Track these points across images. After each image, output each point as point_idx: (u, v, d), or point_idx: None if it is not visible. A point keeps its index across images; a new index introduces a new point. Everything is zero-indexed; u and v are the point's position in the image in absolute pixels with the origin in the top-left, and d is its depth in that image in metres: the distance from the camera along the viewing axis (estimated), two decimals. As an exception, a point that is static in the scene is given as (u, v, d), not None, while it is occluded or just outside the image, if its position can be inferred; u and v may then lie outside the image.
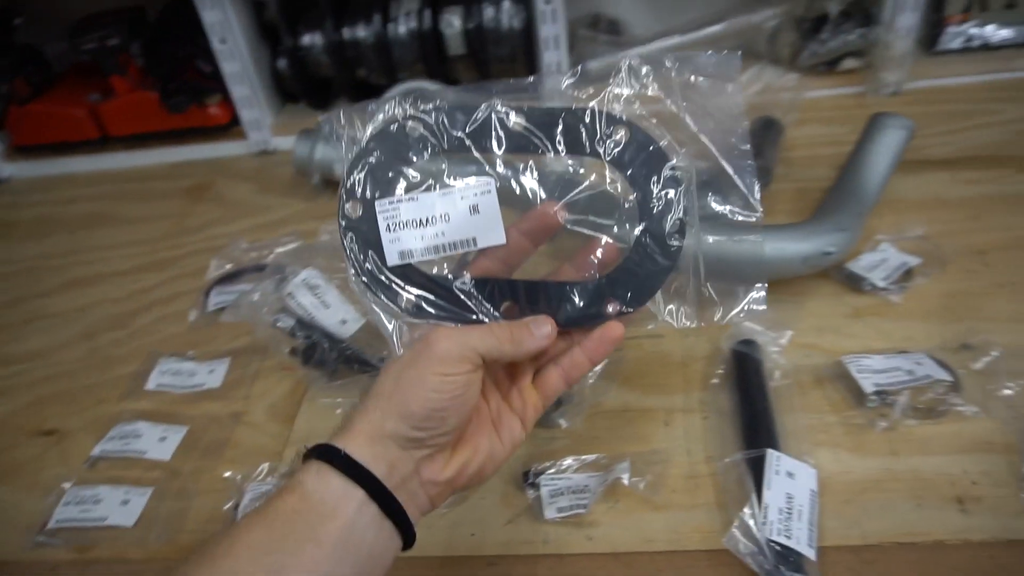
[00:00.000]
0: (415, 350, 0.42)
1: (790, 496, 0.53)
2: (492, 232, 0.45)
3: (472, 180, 0.45)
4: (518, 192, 0.46)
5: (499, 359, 0.43)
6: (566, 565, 0.54)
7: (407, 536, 0.42)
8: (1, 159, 1.26)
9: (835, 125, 1.00)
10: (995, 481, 0.54)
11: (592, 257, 0.46)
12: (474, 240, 0.45)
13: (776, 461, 0.55)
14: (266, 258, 0.90)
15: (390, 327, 0.45)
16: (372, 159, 0.45)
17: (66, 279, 0.98)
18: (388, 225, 0.45)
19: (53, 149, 1.24)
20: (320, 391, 0.69)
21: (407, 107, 0.45)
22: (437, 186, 0.45)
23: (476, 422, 0.45)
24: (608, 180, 0.45)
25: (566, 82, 0.46)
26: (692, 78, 0.45)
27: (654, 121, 0.45)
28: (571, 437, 0.63)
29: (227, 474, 0.64)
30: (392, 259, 0.45)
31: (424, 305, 0.45)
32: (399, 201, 0.45)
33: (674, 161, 0.44)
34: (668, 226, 0.44)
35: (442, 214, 0.44)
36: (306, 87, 1.16)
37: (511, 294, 0.46)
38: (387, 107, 0.46)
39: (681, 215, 0.44)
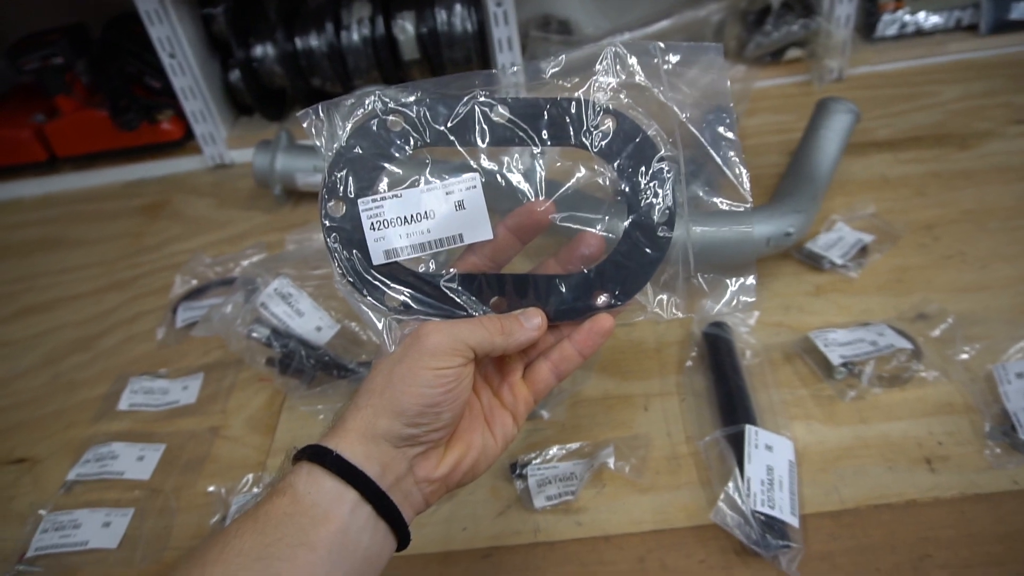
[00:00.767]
0: (405, 345, 0.42)
1: (770, 468, 0.55)
2: (479, 228, 0.44)
3: (457, 175, 0.44)
4: (505, 187, 0.45)
5: (490, 352, 0.43)
6: (558, 551, 0.55)
7: (402, 537, 0.41)
8: (-58, 186, 1.22)
9: (783, 113, 1.04)
10: (959, 440, 0.57)
11: (577, 251, 0.46)
12: (461, 236, 0.44)
13: (755, 436, 0.57)
14: (231, 272, 0.89)
15: (380, 324, 0.45)
16: (353, 156, 0.44)
17: (20, 306, 0.95)
18: (372, 224, 0.44)
19: (-3, 173, 1.20)
20: (299, 399, 0.69)
21: (388, 101, 0.44)
22: (421, 182, 0.44)
23: (468, 419, 0.45)
24: (596, 173, 0.45)
25: (550, 70, 0.45)
26: (677, 67, 0.45)
27: (640, 110, 0.44)
28: (554, 427, 0.64)
29: (210, 488, 0.64)
30: (378, 258, 0.44)
31: (412, 303, 0.45)
32: (383, 199, 0.44)
33: (662, 151, 0.44)
34: (657, 217, 0.44)
35: (427, 211, 0.44)
36: (260, 98, 1.15)
37: (499, 289, 0.45)
38: (367, 101, 0.44)
39: (670, 206, 0.44)
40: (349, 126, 0.44)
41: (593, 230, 0.45)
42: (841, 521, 0.54)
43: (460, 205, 0.44)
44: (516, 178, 0.45)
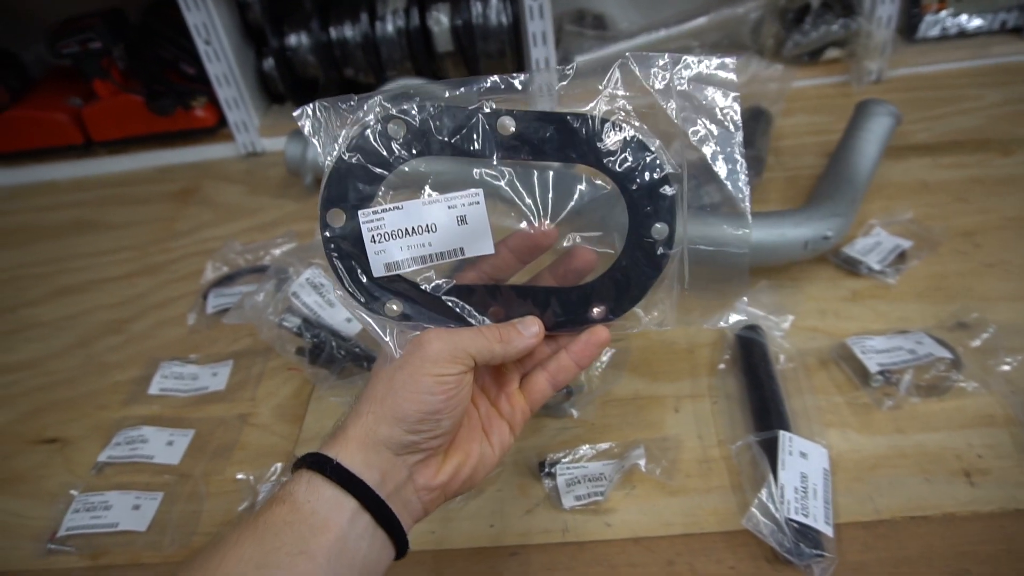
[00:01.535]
0: (406, 352, 0.42)
1: (804, 475, 0.54)
2: (480, 242, 0.44)
3: (460, 190, 0.43)
4: (507, 205, 0.45)
5: (490, 360, 0.43)
6: (587, 551, 0.55)
7: (400, 545, 0.41)
8: (-21, 167, 1.24)
9: (821, 114, 1.02)
10: (999, 454, 0.56)
11: (571, 264, 0.46)
12: (461, 250, 0.44)
13: (788, 442, 0.56)
14: (262, 260, 0.90)
15: (383, 332, 0.44)
16: (353, 164, 0.43)
17: (54, 287, 0.97)
18: (373, 236, 0.43)
19: (33, 156, 1.22)
20: (328, 389, 0.69)
21: (390, 107, 0.43)
22: (423, 195, 0.43)
23: (467, 427, 0.45)
24: (599, 190, 0.45)
25: (558, 84, 0.45)
26: (688, 85, 0.44)
27: (645, 128, 0.44)
28: (583, 426, 0.63)
29: (239, 476, 0.64)
30: (378, 271, 0.43)
31: (411, 314, 0.44)
32: (384, 211, 0.43)
33: (667, 170, 0.43)
34: (656, 235, 0.44)
35: (429, 224, 0.43)
36: (293, 88, 1.15)
37: (497, 300, 0.45)
38: (365, 106, 0.43)
39: (671, 224, 0.44)
40: (349, 132, 0.43)
41: (584, 246, 0.46)
42: (876, 532, 0.53)
43: (462, 220, 0.43)
44: (519, 195, 0.44)
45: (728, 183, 0.45)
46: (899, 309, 0.70)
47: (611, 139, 0.43)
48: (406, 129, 0.43)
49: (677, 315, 0.47)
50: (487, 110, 0.43)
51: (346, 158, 0.43)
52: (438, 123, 0.43)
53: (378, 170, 0.43)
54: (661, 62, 0.44)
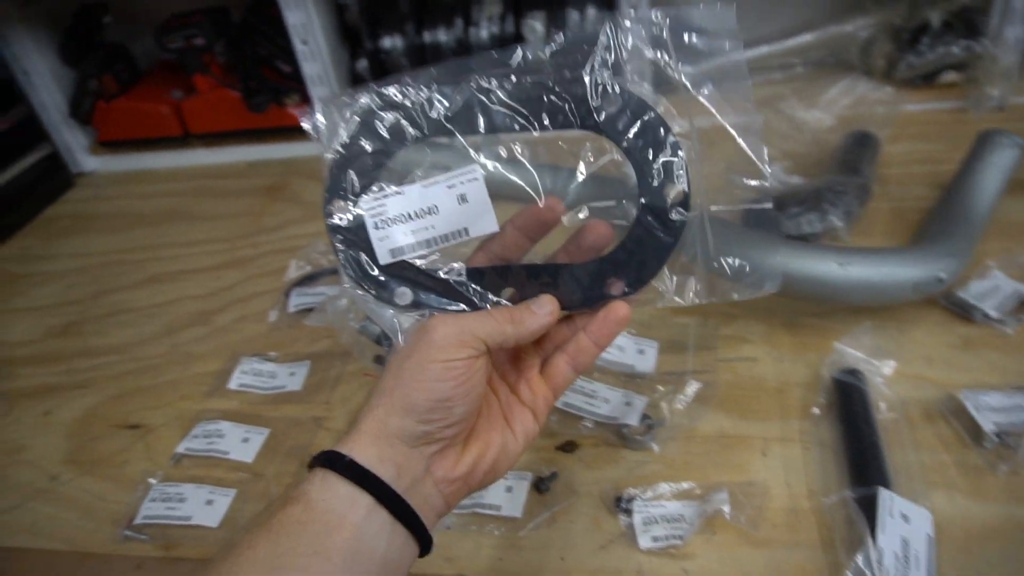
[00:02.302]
0: (414, 340, 0.40)
1: (906, 541, 0.50)
2: (484, 221, 0.42)
3: (457, 168, 0.42)
4: (511, 181, 0.43)
5: (502, 343, 0.41)
6: (661, 598, 0.52)
7: (423, 541, 0.40)
8: (86, 153, 1.30)
9: (933, 141, 0.96)
10: None
11: (585, 241, 0.44)
12: (466, 230, 0.43)
13: (889, 502, 0.52)
14: (344, 260, 0.90)
15: (391, 319, 0.43)
16: (353, 154, 0.43)
17: (148, 274, 1.00)
18: (376, 222, 0.42)
19: (135, 144, 1.27)
20: (403, 400, 0.68)
21: (384, 94, 0.42)
22: (422, 177, 0.42)
23: (487, 416, 0.43)
24: (605, 158, 0.43)
25: (549, 50, 0.42)
26: (687, 37, 0.41)
27: (647, 86, 0.41)
28: (664, 462, 0.61)
29: (311, 480, 0.64)
30: (384, 257, 0.43)
31: (422, 301, 0.43)
32: (385, 196, 0.42)
33: (673, 129, 0.41)
34: (670, 199, 0.41)
35: (430, 206, 0.42)
36: (384, 89, 1.16)
37: (509, 281, 0.43)
38: (362, 99, 0.43)
39: (684, 187, 0.41)
40: (349, 124, 0.42)
41: (599, 220, 0.43)
42: (984, 611, 0.48)
43: (463, 199, 0.42)
44: (521, 169, 0.43)
45: (738, 135, 0.42)
46: (1018, 363, 0.64)
47: (607, 101, 0.41)
48: (401, 114, 0.42)
49: (706, 288, 0.44)
50: (478, 84, 0.42)
51: (345, 148, 0.42)
52: (431, 104, 0.42)
53: (378, 157, 0.43)
54: (655, 17, 0.41)
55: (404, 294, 0.43)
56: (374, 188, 0.43)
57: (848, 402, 0.61)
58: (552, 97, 0.41)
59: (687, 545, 0.54)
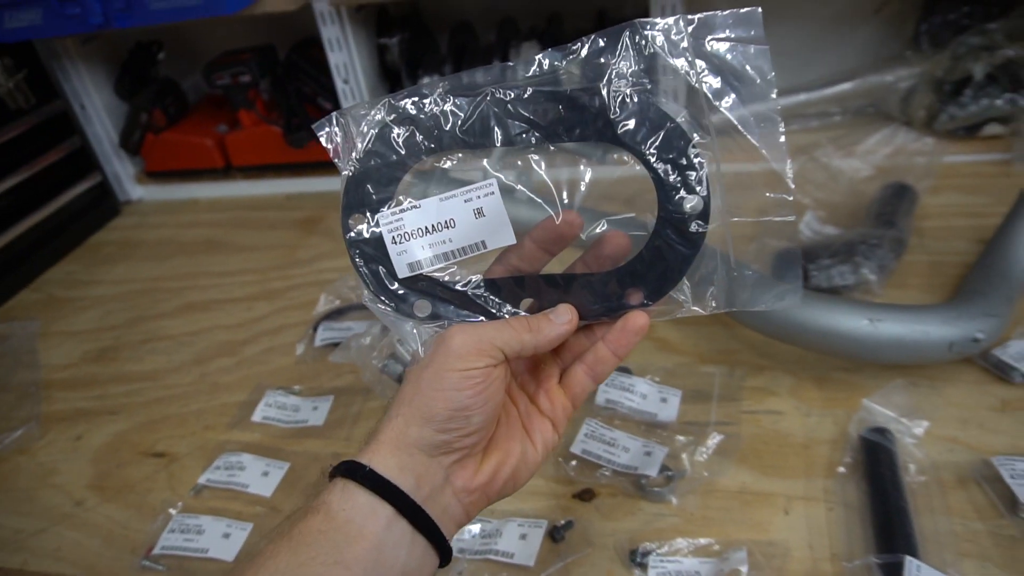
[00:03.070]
0: (431, 350, 0.41)
1: (933, 614, 0.48)
2: (501, 234, 0.42)
3: (473, 183, 0.42)
4: (527, 197, 0.43)
5: (520, 351, 0.41)
6: (673, 660, 0.51)
7: (443, 552, 0.40)
8: (134, 182, 1.34)
9: (974, 194, 0.94)
10: None
11: (603, 252, 0.43)
12: (483, 243, 0.43)
13: (916, 571, 0.50)
14: (373, 296, 0.91)
15: (411, 330, 0.43)
16: (369, 168, 0.43)
17: (183, 302, 1.02)
18: (394, 237, 0.42)
19: (180, 175, 1.31)
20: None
21: (399, 106, 0.42)
22: (439, 191, 0.42)
23: (506, 425, 0.43)
24: (623, 165, 0.42)
25: (565, 61, 0.42)
26: (708, 45, 0.40)
27: (668, 96, 0.40)
28: (682, 516, 0.59)
29: (326, 518, 0.64)
30: (402, 271, 0.43)
31: (440, 313, 0.44)
32: (402, 211, 0.43)
33: (694, 139, 0.40)
34: (689, 210, 0.40)
35: (448, 220, 0.42)
36: (420, 128, 1.18)
37: (527, 291, 0.44)
38: (374, 113, 0.43)
39: (704, 198, 0.40)
40: (365, 138, 0.42)
41: (616, 230, 0.43)
42: None
43: (480, 212, 0.42)
44: (538, 181, 0.42)
45: (761, 146, 0.40)
46: (1059, 429, 0.61)
47: (626, 111, 0.40)
48: (416, 127, 0.42)
49: (727, 298, 0.43)
50: (493, 96, 0.41)
51: (361, 163, 0.43)
52: (446, 117, 0.42)
53: (393, 171, 0.43)
54: (676, 24, 0.40)
55: (423, 306, 0.44)
56: (392, 202, 0.43)
57: (875, 462, 0.59)
58: (568, 108, 0.41)
59: (703, 605, 0.52)
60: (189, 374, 0.87)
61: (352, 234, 0.43)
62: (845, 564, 0.54)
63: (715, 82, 0.40)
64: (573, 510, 0.61)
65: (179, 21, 1.01)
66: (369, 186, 0.43)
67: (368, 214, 0.43)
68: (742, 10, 0.40)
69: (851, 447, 0.62)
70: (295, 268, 1.05)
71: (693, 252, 0.42)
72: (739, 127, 0.40)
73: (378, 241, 0.43)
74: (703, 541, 0.56)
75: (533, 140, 0.42)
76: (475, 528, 0.60)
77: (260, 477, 0.69)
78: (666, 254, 0.42)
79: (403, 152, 0.43)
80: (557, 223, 0.43)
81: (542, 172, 0.43)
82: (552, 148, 0.42)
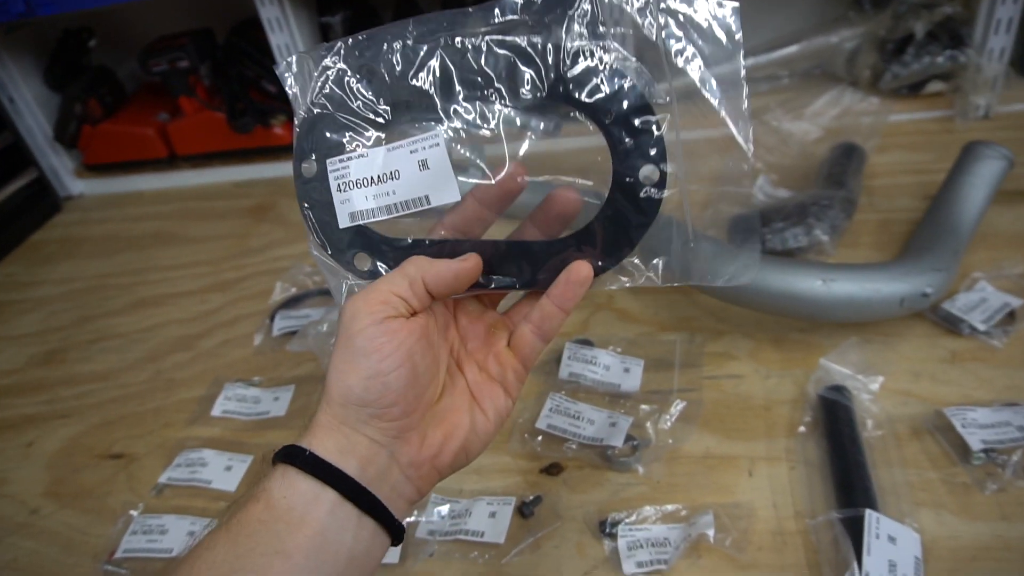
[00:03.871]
0: (338, 323, 0.39)
1: (893, 564, 0.49)
2: (445, 189, 0.41)
3: (419, 133, 0.40)
4: (474, 146, 0.41)
5: (424, 292, 0.39)
6: (646, 625, 0.51)
7: (393, 530, 0.38)
8: (72, 176, 1.29)
9: (920, 152, 0.96)
10: (1123, 554, 0.50)
11: (552, 210, 0.42)
12: (427, 198, 0.41)
13: (875, 523, 0.51)
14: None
15: (340, 286, 0.42)
16: (322, 114, 0.41)
17: (133, 299, 0.99)
18: (339, 185, 0.41)
19: (122, 167, 1.27)
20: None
21: (354, 52, 0.41)
22: (385, 141, 0.41)
23: (451, 395, 0.42)
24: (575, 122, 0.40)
25: (521, 9, 0.39)
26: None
27: (623, 52, 0.38)
28: (649, 484, 0.60)
29: (292, 509, 0.63)
30: (343, 221, 0.42)
31: (378, 270, 0.42)
32: (348, 159, 0.41)
33: (653, 100, 0.38)
34: (643, 176, 0.39)
35: (392, 171, 0.41)
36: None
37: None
38: (332, 58, 0.41)
39: (660, 163, 0.38)
40: (319, 82, 0.41)
41: (566, 186, 0.41)
42: (974, 634, 0.47)
43: (424, 164, 0.40)
44: (483, 137, 0.41)
45: (724, 113, 0.39)
46: (1007, 376, 0.63)
47: (580, 67, 0.38)
48: (369, 73, 0.41)
49: (682, 269, 0.41)
50: (447, 44, 0.39)
51: (315, 107, 0.41)
52: (399, 65, 0.40)
53: (345, 118, 0.41)
54: None
55: (363, 259, 0.42)
56: (340, 150, 0.42)
57: (834, 420, 0.60)
58: (521, 61, 0.39)
59: (672, 570, 0.53)
60: (143, 372, 0.85)
61: (303, 180, 0.42)
62: (808, 521, 0.55)
63: (679, 41, 0.38)
64: (541, 485, 0.62)
65: (107, 5, 0.96)
66: (321, 133, 0.41)
67: (319, 161, 0.42)
68: None
69: (810, 406, 0.63)
70: (248, 257, 1.03)
71: (647, 220, 0.40)
72: (701, 89, 0.38)
73: (326, 188, 0.42)
74: (670, 507, 0.57)
75: (485, 92, 0.40)
76: (444, 509, 0.60)
77: (223, 472, 0.68)
78: (619, 220, 0.40)
79: (354, 99, 0.41)
80: (501, 177, 0.40)
81: (490, 120, 0.41)
82: (506, 109, 0.40)
